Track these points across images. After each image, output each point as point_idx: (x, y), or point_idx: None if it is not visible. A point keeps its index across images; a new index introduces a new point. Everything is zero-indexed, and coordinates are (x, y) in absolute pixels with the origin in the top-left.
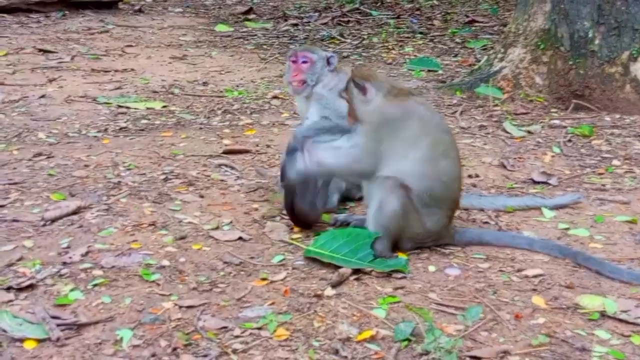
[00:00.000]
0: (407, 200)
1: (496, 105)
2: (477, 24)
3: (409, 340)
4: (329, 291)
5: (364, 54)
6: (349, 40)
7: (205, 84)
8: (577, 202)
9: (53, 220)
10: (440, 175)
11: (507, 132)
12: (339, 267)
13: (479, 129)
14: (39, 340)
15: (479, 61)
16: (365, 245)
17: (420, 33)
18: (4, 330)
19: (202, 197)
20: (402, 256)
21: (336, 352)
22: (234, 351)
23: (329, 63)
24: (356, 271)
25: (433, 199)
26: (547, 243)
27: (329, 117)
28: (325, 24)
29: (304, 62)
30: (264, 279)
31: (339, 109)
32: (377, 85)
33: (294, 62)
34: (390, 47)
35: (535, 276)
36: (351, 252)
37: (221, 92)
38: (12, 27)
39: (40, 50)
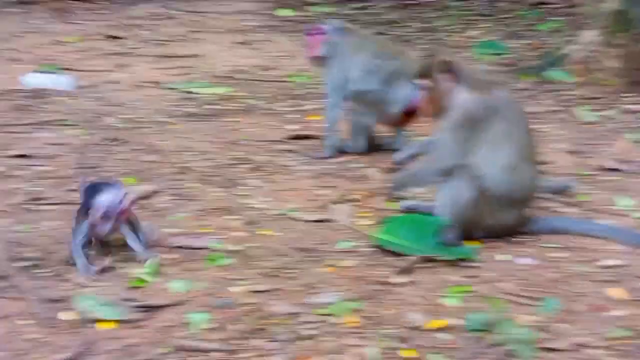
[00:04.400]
0: (481, 191)
1: (566, 89)
2: (545, 6)
3: (481, 330)
4: (397, 279)
5: (428, 37)
6: (412, 24)
7: (269, 69)
8: None
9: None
10: (519, 175)
11: (578, 118)
12: (407, 254)
13: (549, 114)
14: (116, 322)
15: (548, 44)
16: (435, 232)
17: (486, 15)
18: (83, 312)
19: (268, 182)
20: (471, 244)
21: (405, 340)
22: (303, 337)
23: (340, 33)
24: (425, 259)
25: (509, 195)
26: (627, 232)
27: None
28: (388, 7)
29: (318, 34)
30: (332, 266)
31: (336, 79)
32: (463, 76)
33: (309, 36)
34: (455, 30)
35: (612, 267)
36: (419, 240)
37: (285, 77)
38: (79, 14)
39: (108, 36)
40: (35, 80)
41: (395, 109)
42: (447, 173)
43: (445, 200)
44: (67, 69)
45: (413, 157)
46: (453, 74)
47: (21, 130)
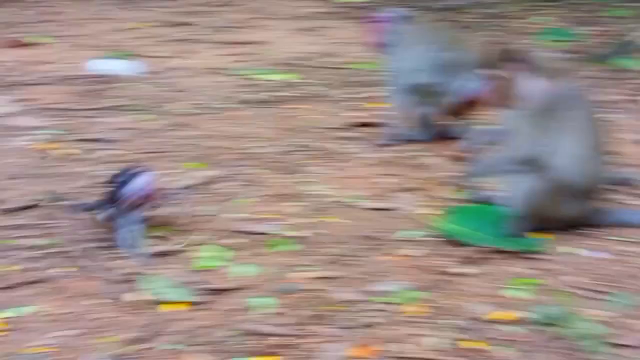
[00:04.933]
0: (551, 182)
1: (634, 78)
2: None
3: (547, 324)
4: (461, 269)
5: (491, 24)
6: (475, 10)
7: (330, 55)
8: None
9: (192, 188)
10: (587, 166)
11: None
12: (472, 244)
13: (615, 103)
14: (181, 304)
15: (616, 31)
16: (501, 223)
17: (552, 1)
18: (149, 293)
19: (330, 169)
20: (538, 236)
21: (468, 331)
22: (365, 325)
23: (403, 20)
24: (490, 249)
25: (577, 185)
26: None
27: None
28: None
29: (381, 22)
30: (394, 254)
31: (399, 67)
32: (533, 65)
33: (372, 23)
34: (519, 16)
35: None
36: (484, 230)
37: (346, 64)
38: (143, 2)
39: (172, 23)
40: (102, 66)
41: (457, 98)
42: (521, 162)
43: (513, 190)
44: (133, 55)
45: (482, 146)
46: (523, 63)
47: (90, 114)
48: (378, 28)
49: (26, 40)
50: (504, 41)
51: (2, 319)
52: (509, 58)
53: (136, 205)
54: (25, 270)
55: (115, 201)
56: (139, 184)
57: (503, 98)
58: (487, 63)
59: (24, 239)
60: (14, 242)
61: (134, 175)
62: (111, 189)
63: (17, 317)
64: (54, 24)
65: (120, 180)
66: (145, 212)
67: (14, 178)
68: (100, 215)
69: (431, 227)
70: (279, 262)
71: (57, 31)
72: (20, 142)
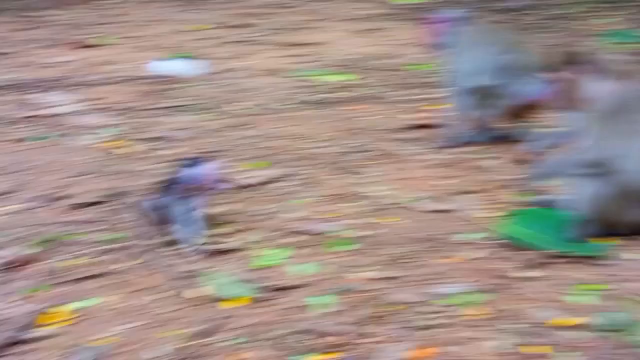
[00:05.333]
0: (616, 187)
1: None
2: None
3: (612, 330)
4: (523, 272)
5: (554, 26)
6: (538, 12)
7: (387, 57)
8: None
9: (252, 187)
10: None
11: None
12: (533, 248)
13: None
14: (241, 301)
15: None
16: (563, 227)
17: (616, 3)
18: (210, 289)
19: (389, 171)
20: (603, 242)
21: (530, 336)
22: (424, 327)
23: (462, 22)
24: (553, 254)
25: None
26: None
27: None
28: None
29: (438, 23)
30: (456, 256)
31: (459, 69)
32: (601, 68)
33: (431, 24)
34: (583, 18)
35: None
36: (547, 234)
37: (403, 65)
38: (205, 2)
39: (234, 25)
40: (164, 67)
41: (517, 101)
42: (588, 165)
43: (578, 194)
44: (194, 56)
45: (545, 149)
46: (590, 65)
47: (152, 114)
48: (436, 29)
49: (90, 41)
50: (567, 43)
51: (69, 310)
52: (575, 60)
53: (194, 191)
54: (91, 264)
55: (173, 189)
56: (198, 171)
57: (568, 100)
58: (551, 65)
59: (90, 233)
60: (80, 236)
61: (195, 163)
62: (170, 177)
63: (83, 309)
64: (117, 26)
65: (181, 168)
66: (203, 202)
67: (81, 175)
68: (153, 204)
69: (491, 230)
70: (338, 261)
71: (120, 33)
72: (85, 140)
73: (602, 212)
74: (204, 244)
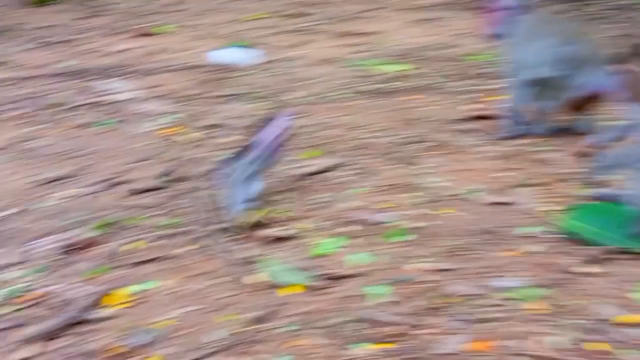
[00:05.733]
0: None
1: None
2: None
3: None
4: (585, 268)
5: (621, 16)
6: (605, 2)
7: (446, 47)
8: None
9: (307, 176)
10: None
11: None
12: (596, 243)
13: None
14: (299, 288)
15: None
16: (627, 222)
17: None
18: (268, 275)
19: (447, 161)
20: None
21: (595, 332)
22: (483, 319)
23: (522, 10)
24: (616, 250)
25: None
26: None
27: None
28: None
29: (499, 11)
30: (514, 250)
31: (518, 59)
32: None
33: (489, 12)
34: None
35: None
36: (610, 229)
37: (463, 55)
38: None
39: (292, 14)
40: (222, 55)
41: (579, 93)
42: None
43: None
44: (252, 45)
45: (609, 142)
46: None
47: (213, 102)
48: (494, 18)
49: (149, 30)
50: (632, 34)
51: (128, 293)
52: None
53: (272, 148)
54: (150, 248)
55: (245, 154)
56: (270, 131)
57: (633, 93)
58: (618, 57)
59: (150, 218)
60: (140, 221)
61: (267, 123)
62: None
63: (142, 292)
64: (178, 15)
65: (258, 128)
66: (272, 162)
67: (141, 160)
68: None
69: (552, 224)
70: (395, 252)
71: (180, 21)
72: (144, 127)
73: None
74: (250, 218)
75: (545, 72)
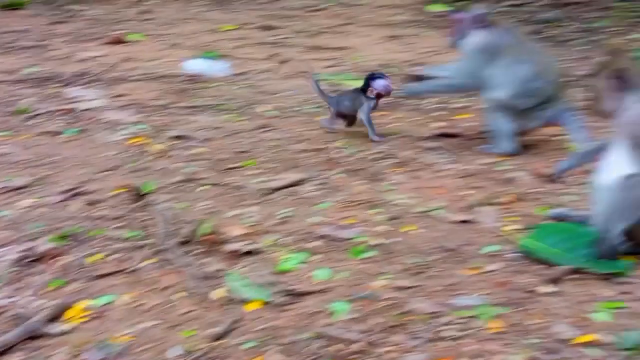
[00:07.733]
0: None
1: None
2: None
3: (633, 349)
4: (545, 288)
5: (586, 39)
6: (570, 24)
7: (417, 64)
8: None
9: (274, 190)
10: None
11: None
12: (556, 263)
13: None
14: (261, 303)
15: None
16: (586, 243)
17: None
18: (232, 290)
19: (413, 178)
20: (625, 259)
21: (553, 352)
22: (444, 338)
23: (476, 21)
24: (574, 270)
25: None
26: None
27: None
28: (546, 5)
29: (458, 20)
30: (475, 268)
31: (459, 67)
32: (632, 85)
33: (452, 20)
34: (617, 32)
35: None
36: (569, 250)
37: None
38: (237, 3)
39: (262, 26)
40: (194, 66)
41: (538, 124)
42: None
43: (601, 211)
44: (225, 57)
45: (576, 167)
46: (622, 81)
47: (180, 112)
48: (455, 25)
49: (121, 37)
50: (603, 57)
51: (85, 307)
52: (608, 73)
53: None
54: (109, 261)
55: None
56: (380, 82)
57: (596, 111)
58: (587, 75)
59: (115, 230)
60: (100, 233)
61: (377, 77)
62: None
63: (99, 306)
64: (148, 24)
65: (369, 77)
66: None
67: (104, 171)
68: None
69: (513, 243)
70: (357, 268)
71: (149, 30)
72: (111, 136)
73: (628, 229)
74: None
75: (500, 97)
